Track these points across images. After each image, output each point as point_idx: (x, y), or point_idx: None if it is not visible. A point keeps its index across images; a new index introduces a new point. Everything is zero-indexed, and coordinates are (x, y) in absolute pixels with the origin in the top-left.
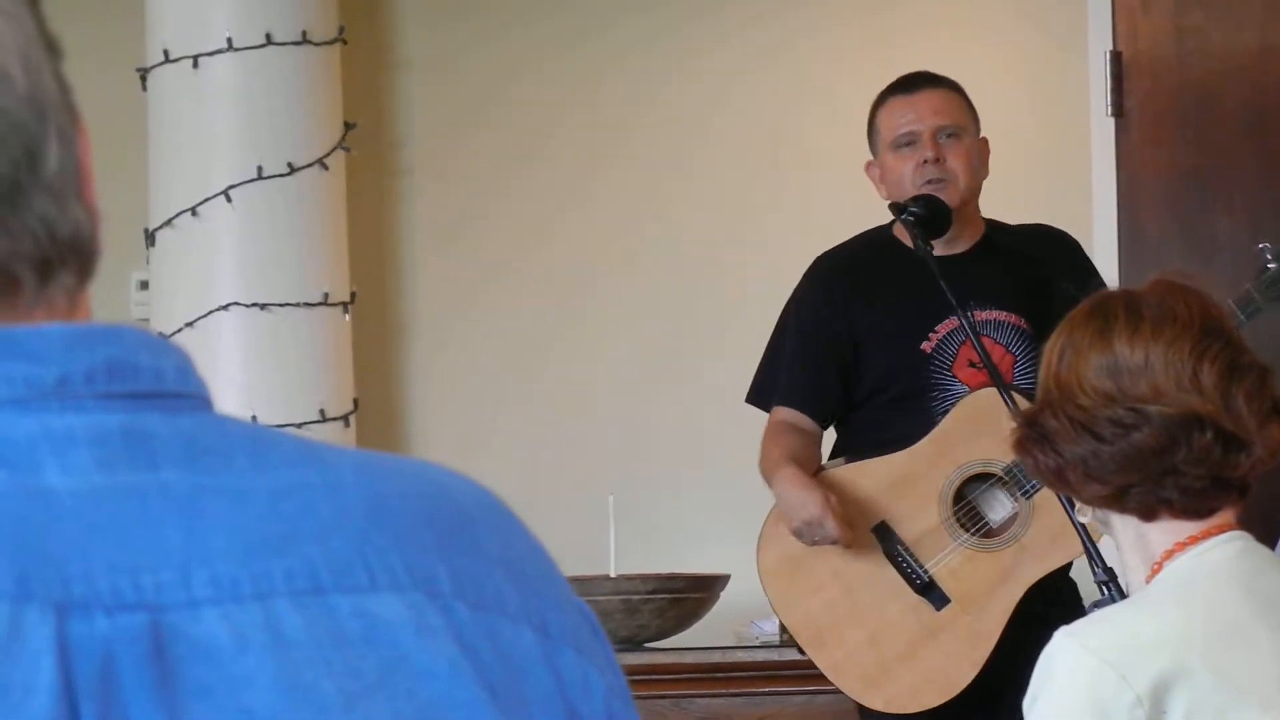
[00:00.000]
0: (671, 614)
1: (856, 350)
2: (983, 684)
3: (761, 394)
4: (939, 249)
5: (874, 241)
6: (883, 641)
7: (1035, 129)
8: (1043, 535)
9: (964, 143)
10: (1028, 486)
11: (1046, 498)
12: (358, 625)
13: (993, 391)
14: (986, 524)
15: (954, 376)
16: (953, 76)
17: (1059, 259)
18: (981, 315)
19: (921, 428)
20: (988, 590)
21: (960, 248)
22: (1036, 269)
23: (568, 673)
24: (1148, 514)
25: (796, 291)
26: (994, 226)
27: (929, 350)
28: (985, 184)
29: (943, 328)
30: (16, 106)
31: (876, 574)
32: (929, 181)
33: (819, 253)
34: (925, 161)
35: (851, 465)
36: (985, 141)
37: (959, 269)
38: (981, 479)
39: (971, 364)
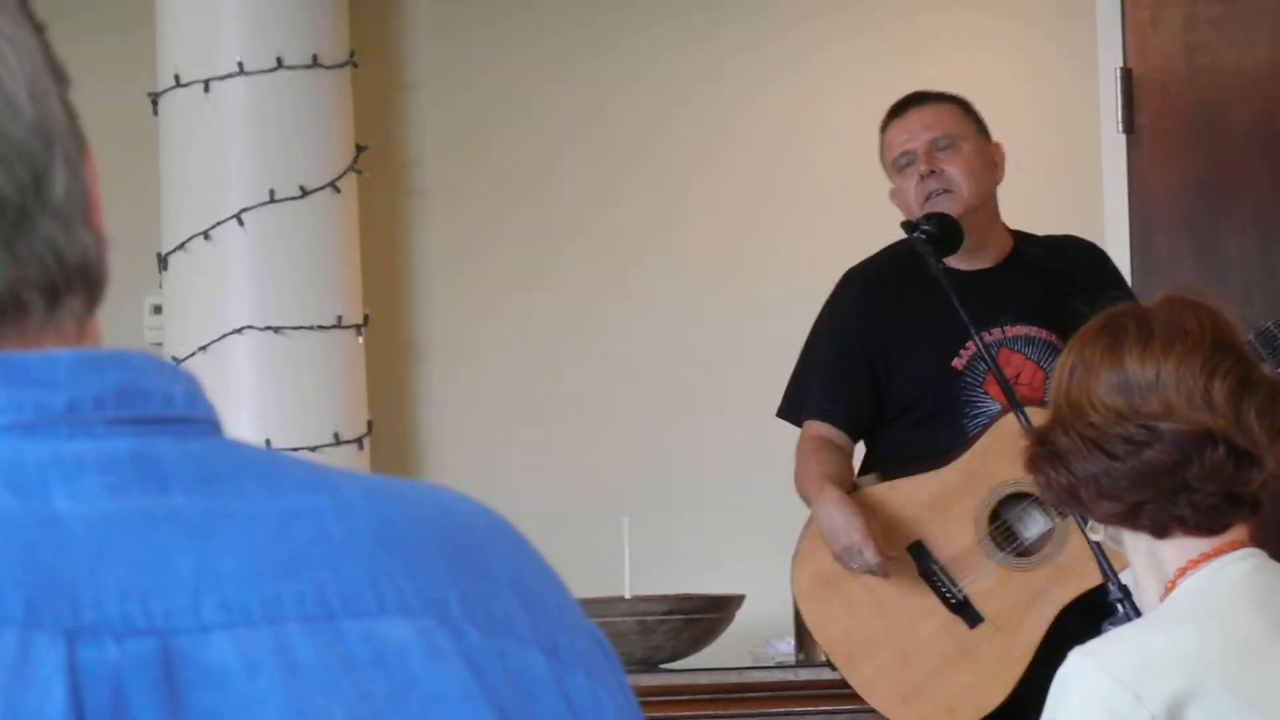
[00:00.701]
0: (686, 635)
1: (887, 365)
2: (1017, 703)
3: (793, 408)
4: (963, 264)
5: (903, 255)
6: (916, 660)
7: (1046, 145)
8: (1077, 555)
9: (962, 150)
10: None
11: None
12: (368, 649)
13: (1030, 411)
14: (1021, 543)
15: (985, 394)
16: (965, 93)
17: (1088, 271)
18: (1012, 331)
19: (954, 445)
20: (1021, 610)
21: (987, 262)
22: (1066, 282)
23: (578, 696)
24: (1160, 531)
25: (827, 304)
26: (1022, 239)
27: (960, 367)
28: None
29: (973, 345)
30: (23, 133)
31: (911, 592)
32: (931, 195)
33: (831, 271)
34: (923, 176)
35: (888, 485)
36: (996, 146)
37: (986, 284)
38: (1017, 498)
39: (999, 383)
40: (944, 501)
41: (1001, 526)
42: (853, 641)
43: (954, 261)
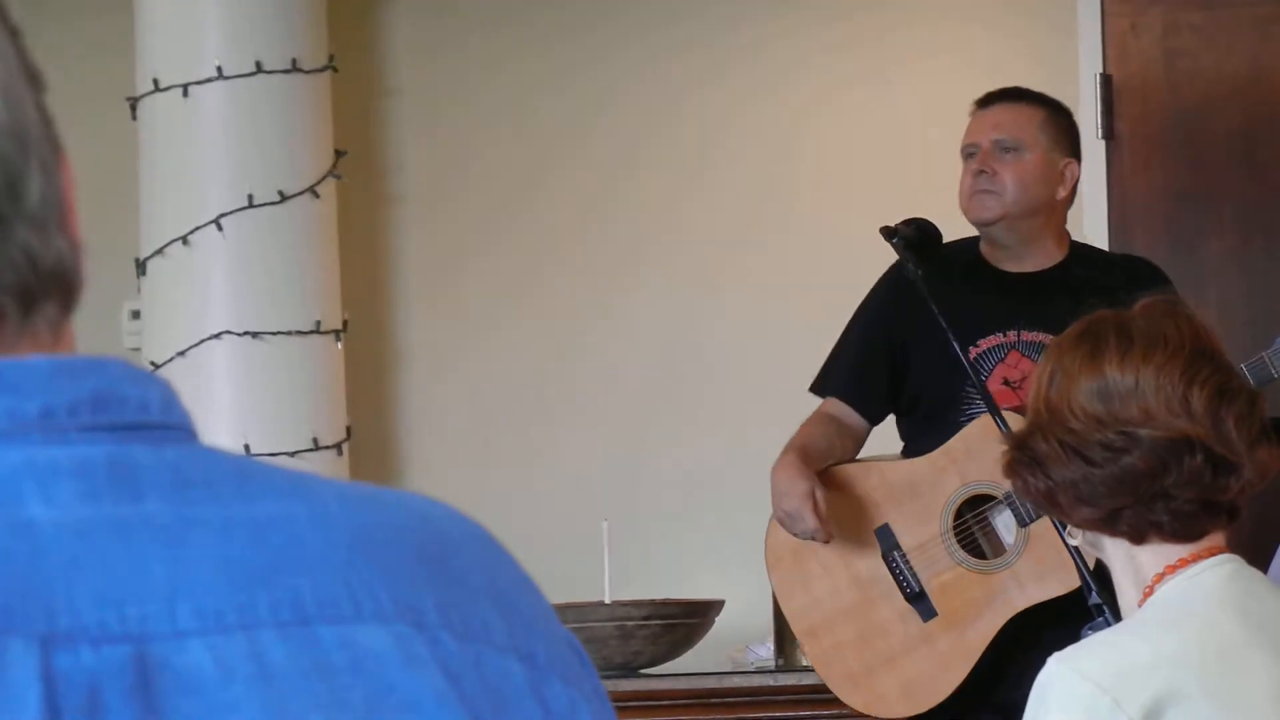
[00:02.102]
0: (666, 640)
1: (907, 355)
2: (958, 702)
3: (822, 383)
4: (1010, 264)
5: (956, 251)
6: (870, 642)
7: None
8: (1032, 567)
9: (1023, 158)
10: (1026, 515)
11: (1044, 528)
12: (344, 656)
13: (1011, 415)
14: (986, 541)
15: (988, 392)
16: (944, 101)
17: (1134, 291)
18: (1028, 336)
19: (945, 438)
20: (975, 611)
21: (1030, 266)
22: (1105, 299)
23: (555, 703)
24: (1138, 537)
25: (875, 286)
26: (1080, 252)
27: (973, 357)
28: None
29: (985, 343)
30: None
31: (873, 575)
32: (978, 191)
33: (814, 284)
34: (976, 173)
35: (863, 463)
36: (1069, 164)
37: (1020, 288)
38: (987, 498)
39: (1006, 381)
40: (915, 490)
41: (965, 525)
42: (813, 616)
43: (996, 259)
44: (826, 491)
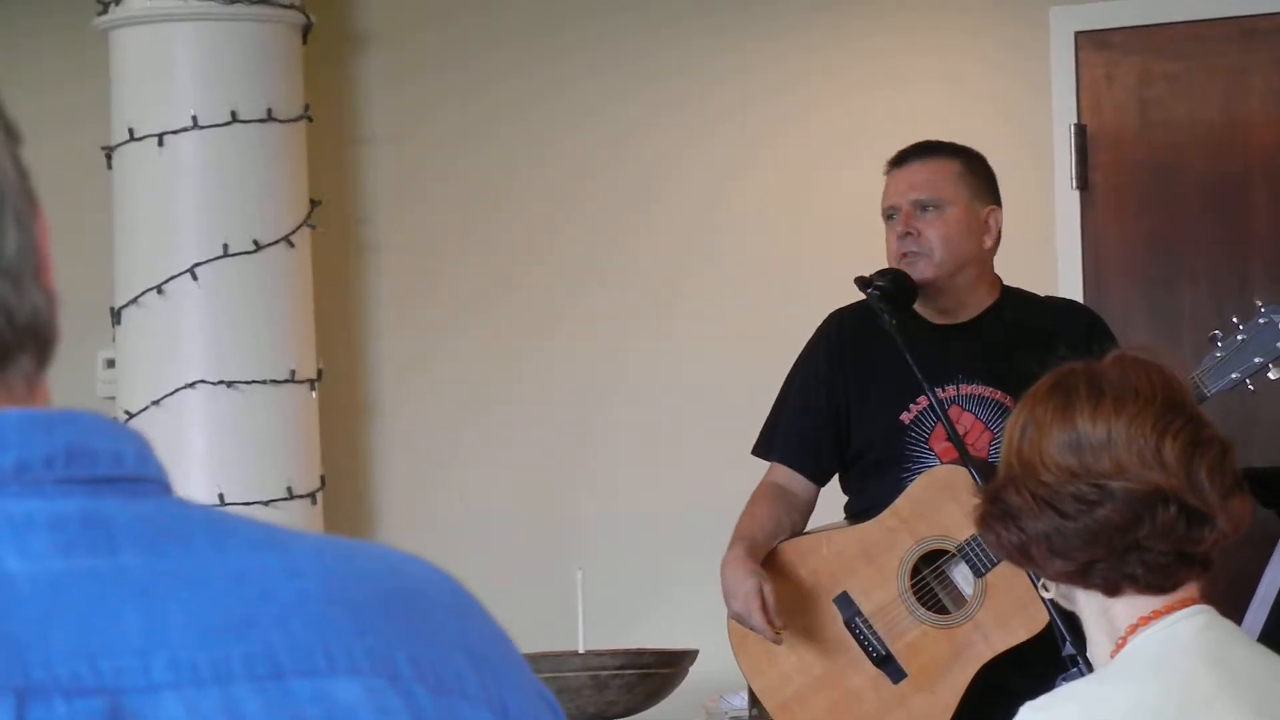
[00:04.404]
0: (640, 689)
1: (848, 412)
2: None
3: (764, 446)
4: (937, 317)
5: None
6: (845, 711)
7: (1002, 201)
8: (994, 615)
9: (944, 215)
10: (981, 565)
11: (1000, 576)
12: (317, 710)
13: (954, 468)
14: (946, 595)
15: (929, 449)
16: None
17: (1073, 337)
18: (967, 389)
19: (890, 497)
20: (943, 666)
21: (964, 316)
22: (1040, 345)
23: None
24: (1112, 589)
25: (808, 345)
26: (1011, 297)
27: (907, 421)
28: None
29: (924, 400)
30: None
31: (838, 643)
32: (906, 254)
33: (783, 321)
34: (900, 236)
35: (813, 535)
36: (991, 211)
37: (950, 340)
38: (941, 553)
39: (948, 438)
40: (869, 555)
41: (924, 581)
42: (784, 692)
43: (928, 313)
44: (781, 570)
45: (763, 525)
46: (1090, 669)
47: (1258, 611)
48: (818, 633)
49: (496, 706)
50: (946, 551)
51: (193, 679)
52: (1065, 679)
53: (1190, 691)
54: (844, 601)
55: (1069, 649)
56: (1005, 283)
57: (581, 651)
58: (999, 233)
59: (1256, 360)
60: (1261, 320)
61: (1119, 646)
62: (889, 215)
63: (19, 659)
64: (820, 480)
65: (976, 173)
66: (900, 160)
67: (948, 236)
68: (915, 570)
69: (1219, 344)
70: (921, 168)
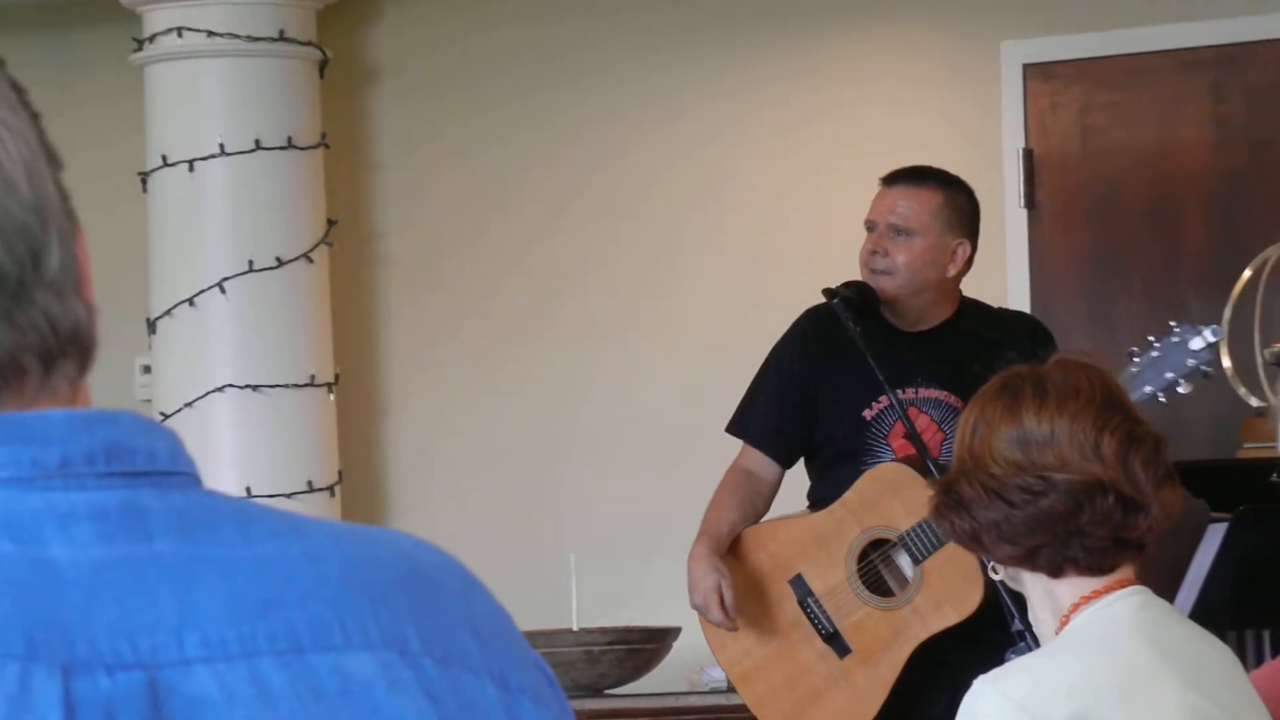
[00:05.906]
0: (629, 663)
1: (817, 405)
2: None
3: (738, 426)
4: (903, 325)
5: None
6: (797, 682)
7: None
8: (929, 600)
9: (913, 243)
10: (919, 554)
11: (936, 564)
12: (335, 681)
13: (898, 466)
14: (892, 578)
15: (887, 445)
16: (880, 176)
17: (1016, 344)
18: (924, 392)
19: (847, 486)
20: (883, 645)
21: (923, 326)
22: (990, 353)
23: None
24: (1055, 571)
25: (784, 336)
26: (969, 309)
27: (869, 417)
28: None
29: (885, 399)
30: (21, 212)
31: (792, 621)
32: (873, 270)
33: (757, 319)
34: (872, 251)
35: (771, 523)
36: (960, 244)
37: (911, 346)
38: (885, 541)
39: (905, 435)
40: (821, 541)
41: (871, 565)
42: (744, 665)
43: (893, 320)
44: (743, 554)
45: (728, 519)
46: (1037, 644)
47: (1188, 592)
48: (774, 611)
49: (497, 676)
50: (889, 540)
51: (223, 654)
52: (1014, 653)
53: (1134, 668)
54: (798, 583)
55: (1018, 625)
56: (964, 293)
57: (575, 629)
58: (966, 263)
59: (1168, 376)
60: (1174, 339)
61: (1063, 623)
62: (869, 226)
63: (65, 638)
64: (787, 464)
65: (956, 207)
66: (891, 180)
67: (911, 263)
68: (864, 554)
69: (1135, 359)
70: (905, 194)
